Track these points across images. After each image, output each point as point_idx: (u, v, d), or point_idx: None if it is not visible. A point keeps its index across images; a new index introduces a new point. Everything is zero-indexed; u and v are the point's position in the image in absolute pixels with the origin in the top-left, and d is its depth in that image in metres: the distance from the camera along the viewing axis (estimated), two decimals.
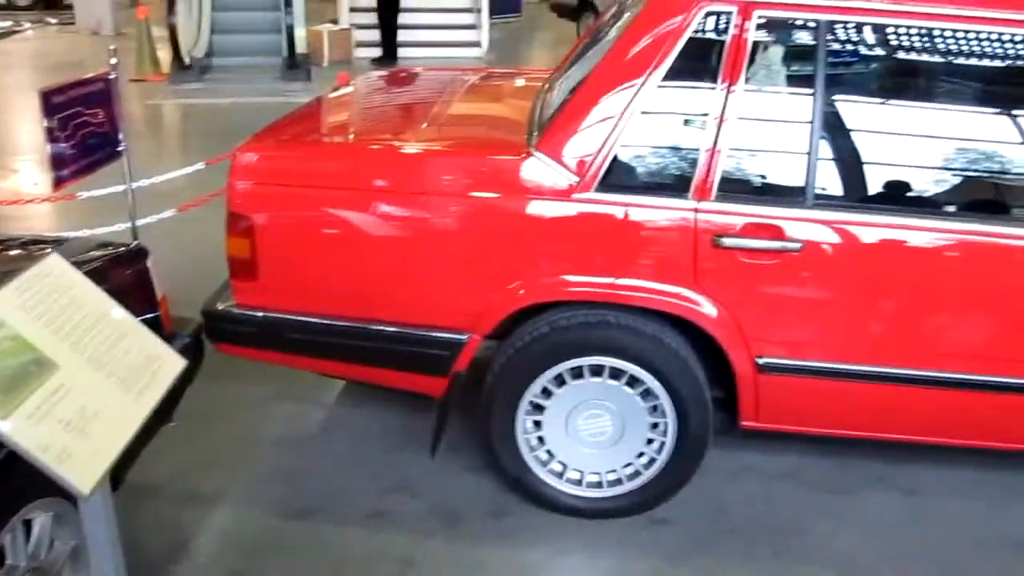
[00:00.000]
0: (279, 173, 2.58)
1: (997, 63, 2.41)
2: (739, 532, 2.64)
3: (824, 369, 2.45)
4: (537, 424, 2.60)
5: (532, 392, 2.54)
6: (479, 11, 11.61)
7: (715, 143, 2.35)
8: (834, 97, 2.40)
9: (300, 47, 10.21)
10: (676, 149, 2.42)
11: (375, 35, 10.91)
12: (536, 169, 2.42)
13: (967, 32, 2.34)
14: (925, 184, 2.47)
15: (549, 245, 2.44)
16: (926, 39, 2.38)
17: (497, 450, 2.63)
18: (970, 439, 2.60)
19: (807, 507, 2.76)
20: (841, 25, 2.37)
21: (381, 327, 2.56)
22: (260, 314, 2.61)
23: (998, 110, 2.47)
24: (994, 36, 2.34)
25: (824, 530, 2.65)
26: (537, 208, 2.43)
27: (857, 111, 2.47)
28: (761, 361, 2.45)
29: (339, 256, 2.52)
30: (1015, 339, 2.41)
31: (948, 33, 2.35)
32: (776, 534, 2.63)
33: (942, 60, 2.43)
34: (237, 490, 2.78)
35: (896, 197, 2.43)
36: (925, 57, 2.44)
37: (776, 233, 2.34)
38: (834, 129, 2.41)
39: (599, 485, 2.63)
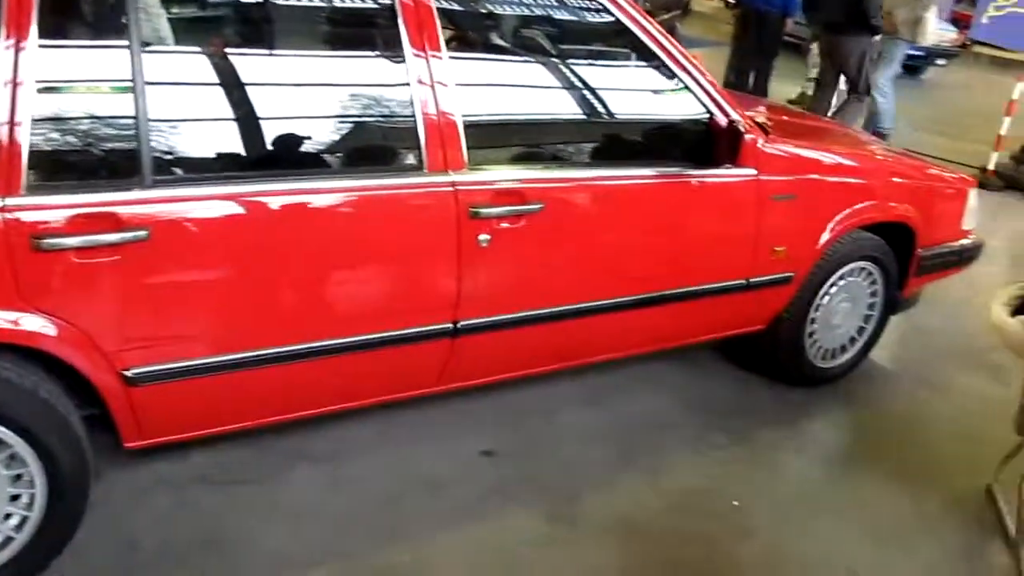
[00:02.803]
0: None
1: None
2: (154, 564, 2.26)
3: (206, 366, 2.14)
4: None
5: None
6: None
7: (12, 115, 1.82)
8: (161, 48, 2.04)
9: None
10: None
11: None
12: None
13: None
14: (286, 143, 2.25)
15: None
16: None
17: None
18: (375, 396, 2.53)
19: (227, 508, 2.47)
20: None
21: None
22: None
23: (368, 53, 2.38)
24: None
25: (249, 529, 2.40)
26: None
27: (195, 63, 2.15)
28: (129, 373, 2.05)
29: None
30: (400, 293, 2.36)
31: None
32: (197, 552, 2.31)
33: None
34: None
35: (253, 162, 2.19)
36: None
37: (113, 224, 1.92)
38: (171, 86, 2.06)
39: None
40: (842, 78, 7.11)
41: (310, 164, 2.28)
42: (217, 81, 2.18)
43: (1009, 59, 12.84)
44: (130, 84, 1.95)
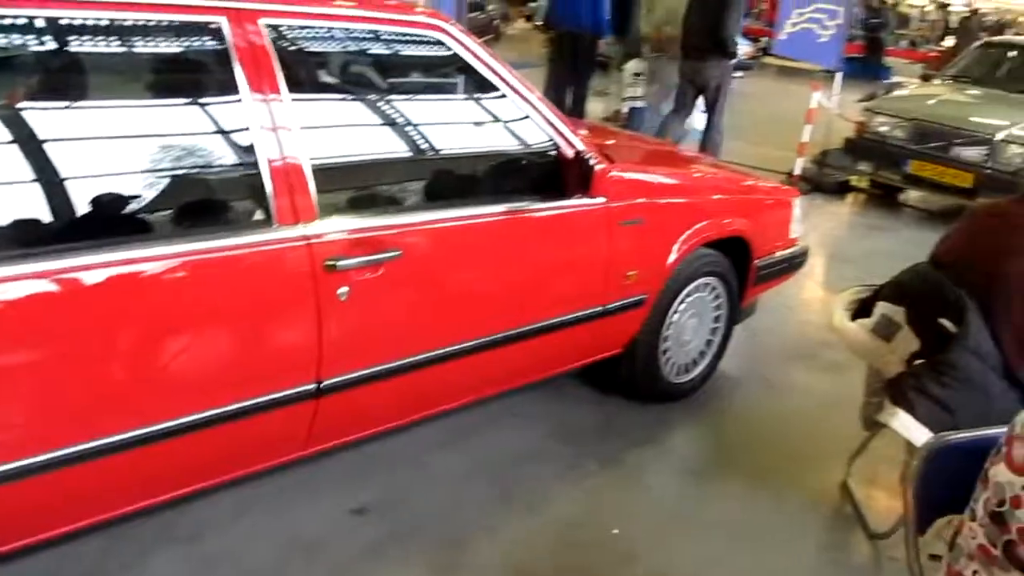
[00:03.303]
0: None
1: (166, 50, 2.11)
2: None
3: (28, 467, 1.86)
4: None
5: None
6: None
7: None
8: None
9: None
10: None
11: None
12: None
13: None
14: (107, 207, 2.00)
15: None
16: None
17: None
18: (237, 471, 2.35)
19: None
20: None
21: None
22: None
23: (201, 100, 2.19)
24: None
25: None
26: None
27: None
28: None
29: None
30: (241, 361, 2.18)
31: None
32: None
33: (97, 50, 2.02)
34: None
35: (66, 232, 1.91)
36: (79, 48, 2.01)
37: None
38: None
39: None
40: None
41: (138, 229, 2.03)
42: (16, 139, 1.89)
43: (793, 68, 13.86)
44: None
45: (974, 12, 19.54)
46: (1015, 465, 1.32)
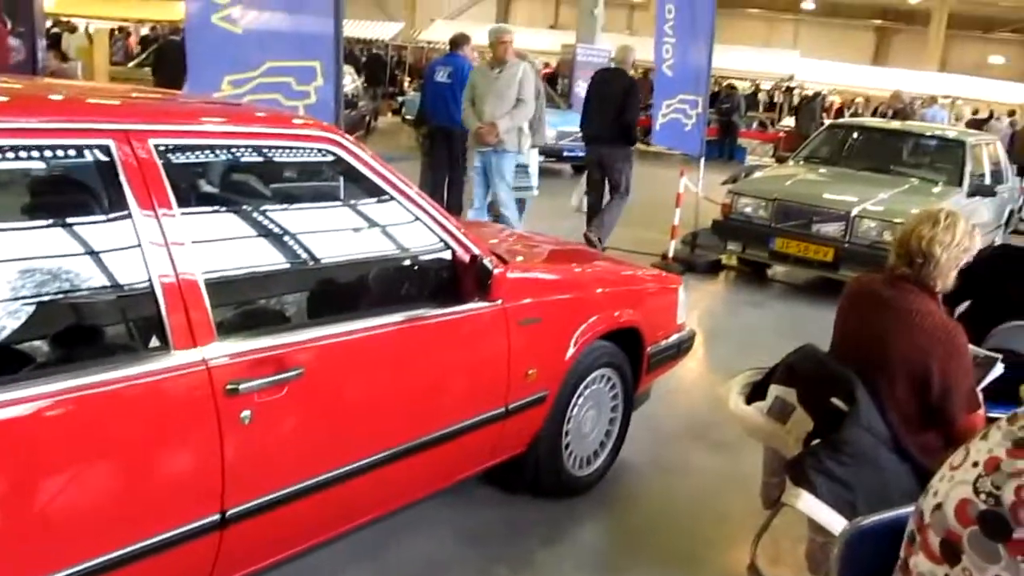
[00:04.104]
0: None
1: None
2: None
3: None
4: None
5: None
6: None
7: None
8: None
9: None
10: None
11: None
12: None
13: None
14: None
15: None
16: None
17: None
18: None
19: None
20: None
21: None
22: None
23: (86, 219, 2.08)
24: None
25: None
26: None
27: None
28: None
29: None
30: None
31: None
32: None
33: None
34: None
35: None
36: None
37: None
38: None
39: None
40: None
41: (18, 366, 1.88)
42: None
43: (658, 153, 14.49)
44: None
45: (816, 95, 21.01)
46: (934, 556, 1.37)
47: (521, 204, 8.39)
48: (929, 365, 2.62)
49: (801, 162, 8.60)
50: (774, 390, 2.89)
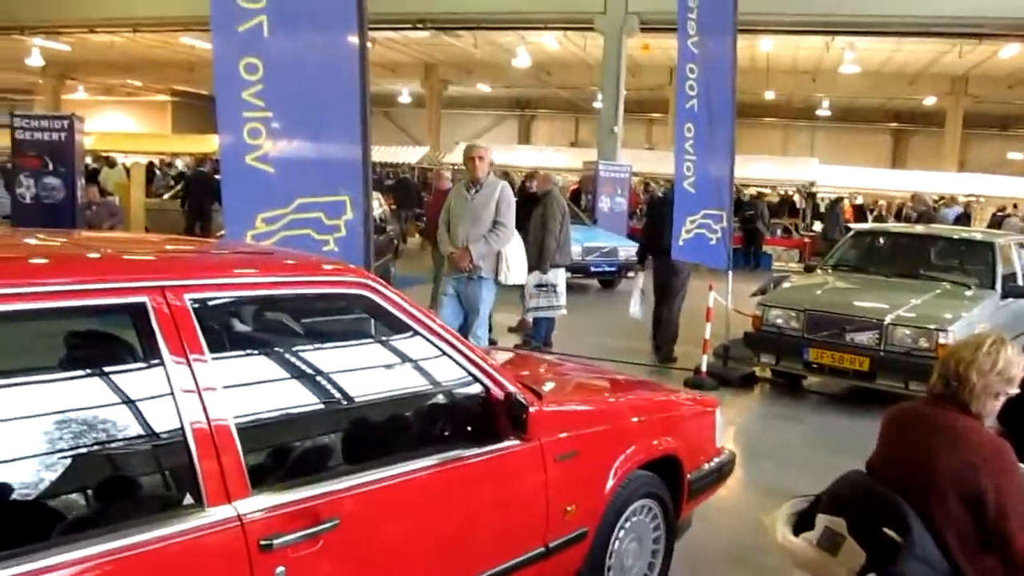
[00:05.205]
0: None
1: None
2: None
3: None
4: None
5: None
6: None
7: None
8: None
9: None
10: None
11: None
12: None
13: None
14: None
15: None
16: None
17: None
18: None
19: None
20: None
21: None
22: None
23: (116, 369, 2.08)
24: None
25: None
26: None
27: None
28: None
29: None
30: None
31: None
32: None
33: None
34: None
35: None
36: None
37: None
38: None
39: None
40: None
41: (48, 532, 1.84)
42: None
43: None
44: None
45: (838, 199, 21.13)
46: None
47: (551, 323, 8.43)
48: (980, 481, 2.53)
49: (829, 270, 8.55)
50: (822, 520, 2.79)
